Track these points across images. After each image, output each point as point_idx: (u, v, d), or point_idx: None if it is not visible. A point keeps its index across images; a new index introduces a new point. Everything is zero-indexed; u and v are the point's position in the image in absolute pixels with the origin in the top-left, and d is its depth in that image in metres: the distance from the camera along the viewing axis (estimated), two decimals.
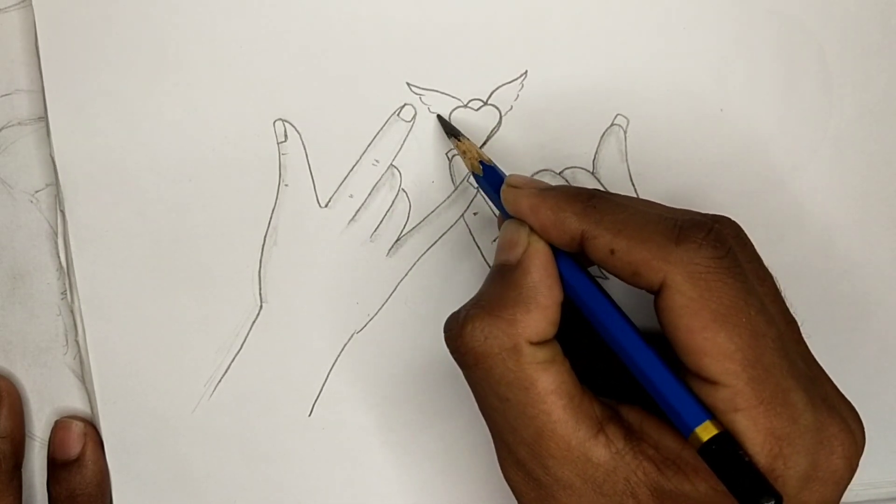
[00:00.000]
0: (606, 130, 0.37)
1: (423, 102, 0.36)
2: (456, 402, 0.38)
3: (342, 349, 0.38)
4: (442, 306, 0.38)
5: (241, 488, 0.39)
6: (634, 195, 0.37)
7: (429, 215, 0.37)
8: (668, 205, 0.31)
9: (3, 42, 0.36)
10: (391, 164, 0.37)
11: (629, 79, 0.37)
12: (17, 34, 0.36)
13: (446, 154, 0.37)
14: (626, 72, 0.37)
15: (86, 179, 0.36)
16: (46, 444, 0.38)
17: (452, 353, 0.31)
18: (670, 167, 0.37)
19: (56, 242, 0.37)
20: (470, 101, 0.37)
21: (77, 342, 0.38)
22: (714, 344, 0.28)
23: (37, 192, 0.37)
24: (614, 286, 0.32)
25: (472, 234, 0.38)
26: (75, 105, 0.36)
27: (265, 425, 0.38)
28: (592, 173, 0.37)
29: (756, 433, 0.27)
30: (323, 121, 0.36)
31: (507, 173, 0.34)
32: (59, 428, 0.38)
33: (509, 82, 0.36)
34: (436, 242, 0.38)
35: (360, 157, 0.37)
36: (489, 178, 0.34)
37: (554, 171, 0.37)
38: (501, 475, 0.32)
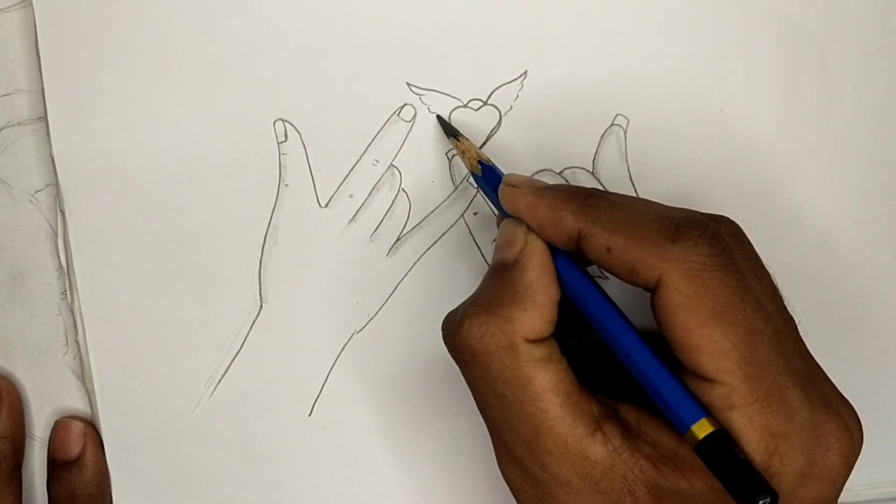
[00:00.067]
0: (606, 130, 0.37)
1: (423, 102, 0.36)
2: (456, 402, 0.38)
3: (342, 349, 0.38)
4: (442, 306, 0.38)
5: (241, 488, 0.39)
6: (634, 195, 0.37)
7: (429, 215, 0.37)
8: (667, 204, 0.32)
9: (3, 42, 0.36)
10: (391, 164, 0.37)
11: (629, 79, 0.37)
12: (17, 34, 0.36)
13: (446, 154, 0.37)
14: (626, 72, 0.37)
15: (85, 179, 0.36)
16: (46, 444, 0.38)
17: (450, 350, 0.31)
18: (670, 167, 0.37)
19: (56, 242, 0.37)
20: (470, 101, 0.37)
21: (77, 342, 0.38)
22: (710, 341, 0.28)
23: (37, 192, 0.37)
24: (612, 285, 0.32)
25: (472, 234, 0.38)
26: (75, 105, 0.36)
27: (265, 425, 0.38)
28: (592, 173, 0.37)
29: (752, 430, 0.28)
30: (323, 121, 0.36)
31: (505, 173, 0.34)
32: (59, 428, 0.38)
33: (509, 82, 0.37)
34: (436, 242, 0.38)
35: (360, 157, 0.37)
36: (488, 177, 0.34)
37: (554, 171, 0.37)
38: (500, 475, 0.32)
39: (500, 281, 0.31)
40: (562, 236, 0.31)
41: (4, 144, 0.37)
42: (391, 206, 0.37)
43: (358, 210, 0.37)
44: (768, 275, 0.31)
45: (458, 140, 0.35)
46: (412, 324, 0.38)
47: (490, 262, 0.37)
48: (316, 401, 0.38)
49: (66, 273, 0.37)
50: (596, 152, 0.37)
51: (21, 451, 0.38)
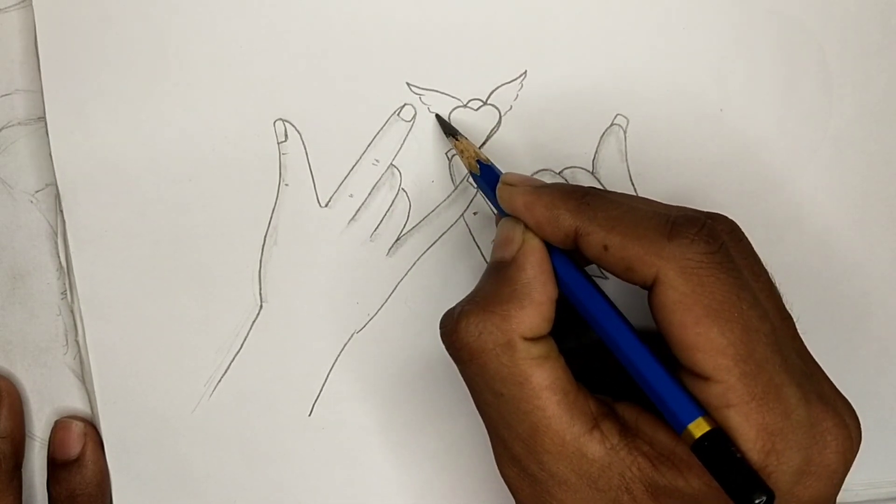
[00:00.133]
0: (606, 130, 0.37)
1: (422, 102, 0.36)
2: (456, 402, 0.38)
3: (342, 349, 0.38)
4: (442, 306, 0.37)
5: (241, 488, 0.39)
6: (624, 192, 0.37)
7: (429, 215, 0.37)
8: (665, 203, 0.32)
9: (2, 42, 0.36)
10: (391, 163, 0.37)
11: (629, 79, 0.37)
12: (17, 34, 0.36)
13: (446, 154, 0.37)
14: (626, 72, 0.37)
15: (85, 179, 0.36)
16: (46, 444, 0.38)
17: (447, 348, 0.31)
18: (670, 167, 0.38)
19: (56, 242, 0.37)
20: (469, 101, 0.37)
21: (77, 342, 0.38)
22: (706, 339, 0.28)
23: (37, 192, 0.37)
24: (610, 284, 0.32)
25: (471, 234, 0.38)
26: (74, 105, 0.36)
27: (265, 425, 0.38)
28: (592, 173, 0.37)
29: (748, 429, 0.28)
30: (323, 121, 0.36)
31: (503, 172, 0.34)
32: (59, 428, 0.38)
33: (509, 82, 0.37)
34: (436, 242, 0.38)
35: (361, 157, 0.37)
36: (486, 177, 0.34)
37: (553, 171, 0.37)
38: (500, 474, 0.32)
39: (497, 279, 0.31)
40: (559, 235, 0.31)
41: (4, 144, 0.37)
42: (391, 206, 0.37)
43: (358, 210, 0.37)
44: (766, 272, 0.31)
45: (456, 139, 0.35)
46: (412, 324, 0.38)
47: (488, 262, 0.37)
48: (316, 401, 0.38)
49: (66, 273, 0.37)
50: (596, 152, 0.37)
51: (21, 451, 0.38)
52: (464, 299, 0.32)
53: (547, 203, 0.31)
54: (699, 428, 0.28)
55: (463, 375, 0.32)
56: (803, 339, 0.31)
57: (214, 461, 0.38)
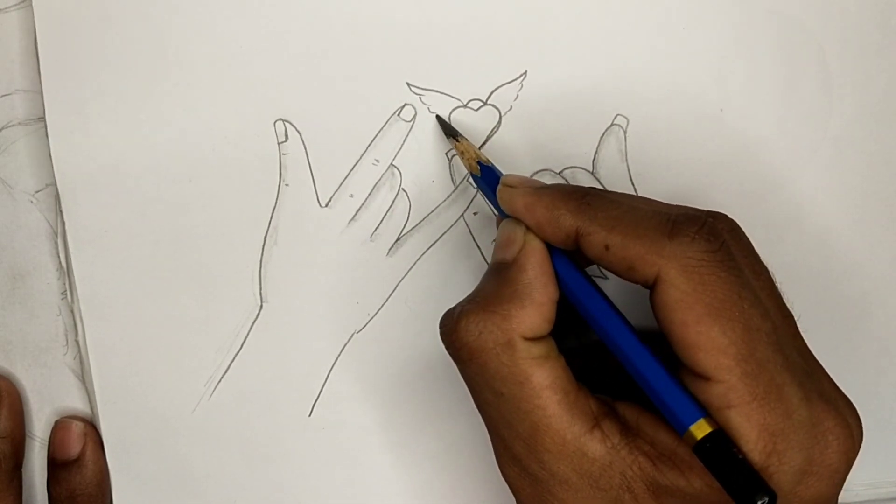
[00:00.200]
0: (606, 130, 0.37)
1: (423, 102, 0.36)
2: (456, 402, 0.38)
3: (342, 349, 0.38)
4: (442, 306, 0.37)
5: (241, 488, 0.39)
6: (624, 192, 0.37)
7: (429, 215, 0.37)
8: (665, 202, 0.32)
9: (2, 42, 0.36)
10: (391, 163, 0.37)
11: (629, 79, 0.37)
12: (17, 34, 0.36)
13: (446, 154, 0.37)
14: (626, 72, 0.37)
15: (85, 179, 0.36)
16: (46, 444, 0.38)
17: (447, 347, 0.31)
18: (670, 167, 0.37)
19: (56, 242, 0.37)
20: (469, 101, 0.37)
21: (77, 342, 0.38)
22: (708, 338, 0.28)
23: (37, 192, 0.37)
24: (610, 284, 0.32)
25: (471, 234, 0.38)
26: (74, 105, 0.36)
27: (265, 425, 0.38)
28: (592, 173, 0.37)
29: (750, 429, 0.28)
30: (323, 121, 0.36)
31: (504, 173, 0.34)
32: (59, 428, 0.38)
33: (509, 82, 0.37)
34: (436, 242, 0.38)
35: (361, 157, 0.37)
36: (487, 178, 0.34)
37: (553, 171, 0.37)
38: (500, 474, 0.32)
39: (498, 280, 0.31)
40: (560, 235, 0.31)
41: (4, 145, 0.37)
42: (391, 206, 0.37)
43: (358, 210, 0.37)
44: (766, 271, 0.31)
45: (457, 141, 0.35)
46: (412, 324, 0.38)
47: (489, 262, 0.37)
48: (316, 401, 0.38)
49: (66, 273, 0.37)
50: (596, 152, 0.37)
51: (21, 451, 0.38)
52: (464, 299, 0.32)
53: (547, 204, 0.31)
54: (701, 429, 0.28)
55: (463, 375, 0.32)
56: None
57: (214, 461, 0.38)
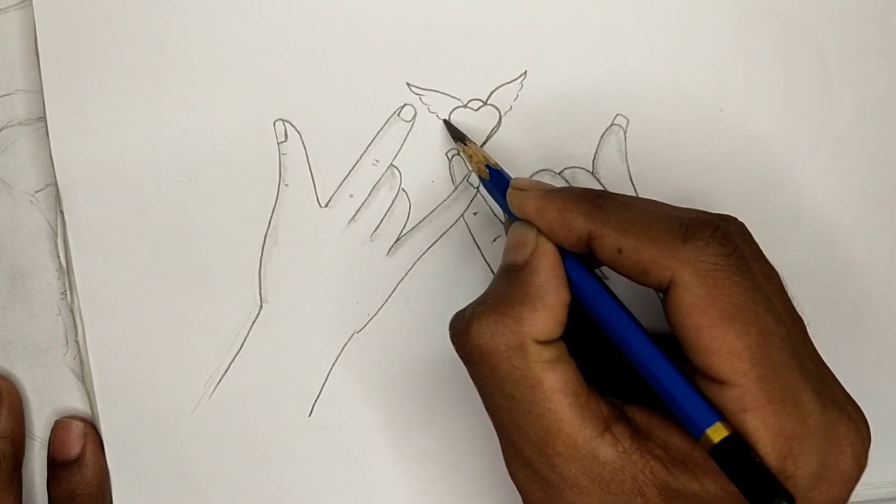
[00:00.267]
0: (606, 130, 0.37)
1: (423, 102, 0.36)
2: (456, 402, 0.38)
3: (342, 349, 0.38)
4: (442, 306, 0.38)
5: (241, 488, 0.39)
6: (635, 195, 0.37)
7: (429, 215, 0.37)
8: (670, 204, 0.31)
9: (3, 42, 0.36)
10: (391, 163, 0.37)
11: (629, 79, 0.37)
12: (17, 34, 0.36)
13: (446, 154, 0.37)
14: (626, 72, 0.37)
15: (85, 180, 0.36)
16: (46, 444, 0.38)
17: (458, 350, 0.31)
18: (670, 167, 0.37)
19: (56, 242, 0.37)
20: (470, 101, 0.37)
21: (77, 342, 0.38)
22: (723, 342, 0.28)
23: (37, 192, 0.37)
24: (619, 286, 0.32)
25: (472, 234, 0.38)
26: (74, 105, 0.36)
27: (265, 425, 0.38)
28: (592, 173, 0.37)
29: (765, 433, 0.27)
30: (323, 121, 0.36)
31: (512, 176, 0.34)
32: (59, 428, 0.38)
33: (509, 82, 0.36)
34: (436, 242, 0.38)
35: (360, 157, 0.37)
36: (496, 181, 0.34)
37: (554, 171, 0.37)
38: (501, 475, 0.32)
39: (509, 282, 0.31)
40: (572, 238, 0.30)
41: (4, 144, 0.37)
42: (391, 206, 0.37)
43: (358, 210, 0.37)
44: (776, 274, 0.30)
45: (465, 144, 0.35)
46: (412, 324, 0.38)
47: (491, 263, 0.37)
48: (316, 401, 0.38)
49: (66, 273, 0.37)
50: (596, 152, 0.37)
51: (21, 451, 0.38)
52: (475, 301, 0.31)
53: (559, 207, 0.31)
54: (717, 433, 0.27)
55: (473, 377, 0.31)
56: None
57: (214, 461, 0.38)
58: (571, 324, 0.31)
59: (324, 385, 0.38)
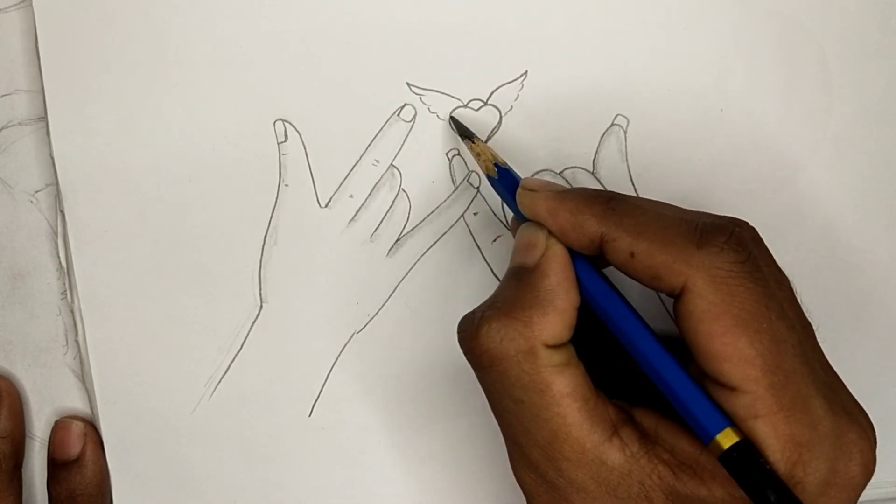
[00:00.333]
0: (606, 130, 0.37)
1: (423, 102, 0.36)
2: (456, 402, 0.38)
3: (342, 349, 0.38)
4: (442, 306, 0.38)
5: (241, 488, 0.39)
6: (636, 196, 0.37)
7: (429, 215, 0.37)
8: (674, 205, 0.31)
9: (3, 42, 0.36)
10: (391, 164, 0.37)
11: (629, 79, 0.37)
12: (17, 34, 0.36)
13: (446, 154, 0.37)
14: (626, 72, 0.37)
15: (85, 180, 0.36)
16: (46, 444, 0.38)
17: (466, 354, 0.31)
18: (670, 167, 0.37)
19: (56, 242, 0.37)
20: (470, 101, 0.36)
21: (77, 342, 0.38)
22: (735, 349, 0.27)
23: (37, 192, 0.37)
24: (627, 289, 0.32)
25: (472, 234, 0.38)
26: (75, 105, 0.36)
27: (265, 425, 0.38)
28: (592, 173, 0.37)
29: (776, 440, 0.27)
30: (323, 121, 0.36)
31: (521, 176, 0.34)
32: (59, 428, 0.38)
33: (509, 82, 0.36)
34: (436, 242, 0.37)
35: (360, 157, 0.37)
36: (504, 180, 0.34)
37: (554, 171, 0.37)
38: (502, 475, 0.32)
39: (519, 285, 0.30)
40: (583, 241, 0.30)
41: (4, 144, 0.36)
42: (391, 206, 0.37)
43: (358, 210, 0.37)
44: (787, 280, 0.30)
45: (472, 142, 0.35)
46: (412, 324, 0.38)
47: (491, 263, 0.37)
48: (316, 401, 0.38)
49: (66, 273, 0.37)
50: (596, 152, 0.37)
51: (21, 451, 0.38)
52: (484, 304, 0.31)
53: (571, 208, 0.30)
54: (728, 439, 0.27)
55: (481, 381, 0.31)
56: None
57: (214, 461, 0.38)
58: (579, 326, 0.30)
59: (324, 385, 0.38)
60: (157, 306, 0.37)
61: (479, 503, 0.39)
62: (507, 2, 0.36)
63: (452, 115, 0.36)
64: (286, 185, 0.36)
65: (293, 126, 0.36)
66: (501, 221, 0.37)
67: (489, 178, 0.34)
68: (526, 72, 0.36)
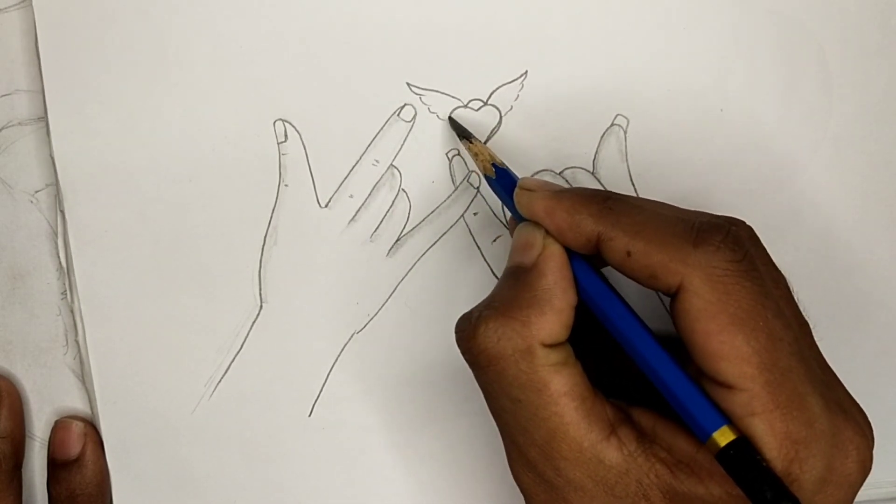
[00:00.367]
0: (606, 130, 0.37)
1: (423, 102, 0.36)
2: (456, 402, 0.38)
3: (342, 349, 0.38)
4: (442, 306, 0.38)
5: (241, 488, 0.39)
6: (635, 195, 0.37)
7: (429, 215, 0.37)
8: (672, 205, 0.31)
9: (3, 42, 0.36)
10: (391, 164, 0.37)
11: (629, 79, 0.37)
12: (17, 34, 0.36)
13: (446, 154, 0.37)
14: (626, 72, 0.37)
15: (85, 180, 0.36)
16: (46, 444, 0.38)
17: (464, 353, 0.31)
18: (670, 167, 0.37)
19: (56, 242, 0.37)
20: (470, 101, 0.36)
21: (77, 342, 0.37)
22: (731, 347, 0.27)
23: (37, 192, 0.37)
24: (625, 289, 0.32)
25: (472, 234, 0.37)
26: (75, 105, 0.35)
27: (265, 425, 0.38)
28: (592, 173, 0.37)
29: (772, 437, 0.27)
30: (323, 121, 0.36)
31: (519, 176, 0.34)
32: (59, 428, 0.38)
33: (509, 82, 0.36)
34: (436, 242, 0.37)
35: (360, 157, 0.37)
36: (501, 180, 0.34)
37: (554, 171, 0.37)
38: (501, 475, 0.32)
39: (516, 285, 0.30)
40: (580, 240, 0.30)
41: (4, 144, 0.36)
42: (391, 206, 0.37)
43: (358, 210, 0.37)
44: (784, 279, 0.30)
45: (470, 142, 0.35)
46: (412, 324, 0.38)
47: (491, 263, 0.37)
48: (316, 401, 0.38)
49: (66, 273, 0.37)
50: (596, 152, 0.37)
51: (21, 451, 0.38)
52: (481, 304, 0.31)
53: (568, 208, 0.30)
54: (724, 436, 0.27)
55: (478, 381, 0.31)
56: None
57: (214, 461, 0.38)
58: (577, 325, 0.30)
59: (324, 385, 0.38)
60: (157, 306, 0.37)
61: (478, 503, 0.39)
62: (507, 2, 0.36)
63: (451, 115, 0.36)
64: (286, 185, 0.36)
65: (293, 126, 0.36)
66: (501, 221, 0.37)
67: (487, 178, 0.34)
68: (526, 72, 0.36)
